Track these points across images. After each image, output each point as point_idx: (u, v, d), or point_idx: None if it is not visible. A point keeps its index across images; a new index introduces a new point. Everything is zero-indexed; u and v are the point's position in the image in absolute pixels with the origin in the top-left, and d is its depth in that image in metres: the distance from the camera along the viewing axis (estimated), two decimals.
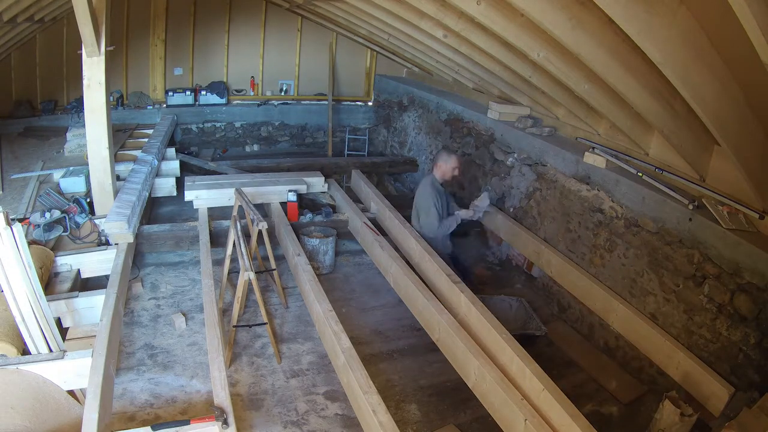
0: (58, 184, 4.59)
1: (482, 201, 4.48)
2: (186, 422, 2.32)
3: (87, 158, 4.12)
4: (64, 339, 2.86)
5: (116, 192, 4.22)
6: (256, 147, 8.07)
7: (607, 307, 3.61)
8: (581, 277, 3.83)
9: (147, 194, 4.71)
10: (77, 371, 2.58)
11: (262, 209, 5.02)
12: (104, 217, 3.90)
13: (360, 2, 4.45)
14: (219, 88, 7.60)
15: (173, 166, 5.68)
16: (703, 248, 3.06)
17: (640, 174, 3.60)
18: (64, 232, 3.88)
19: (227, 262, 4.00)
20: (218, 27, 7.47)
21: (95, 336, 2.77)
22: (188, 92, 7.44)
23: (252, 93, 8.00)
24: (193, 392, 3.15)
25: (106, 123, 3.94)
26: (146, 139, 5.89)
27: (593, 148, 4.02)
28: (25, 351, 2.61)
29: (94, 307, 3.15)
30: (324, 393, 3.26)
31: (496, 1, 2.99)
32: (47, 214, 3.87)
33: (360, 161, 6.92)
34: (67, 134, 5.62)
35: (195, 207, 4.82)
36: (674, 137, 3.10)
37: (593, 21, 2.59)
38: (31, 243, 3.39)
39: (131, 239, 3.88)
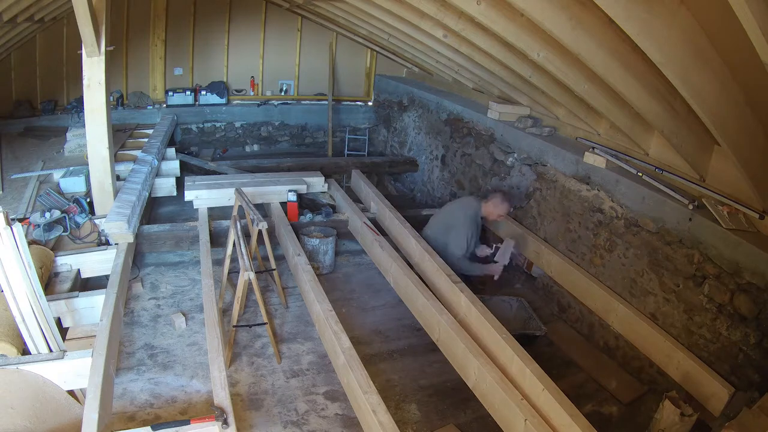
0: (58, 184, 4.59)
1: (503, 255, 4.12)
2: (186, 422, 2.32)
3: (87, 158, 4.12)
4: (64, 339, 2.86)
5: (116, 192, 4.22)
6: (256, 147, 8.07)
7: (607, 307, 3.61)
8: (581, 277, 3.83)
9: (147, 194, 4.71)
10: (77, 371, 2.58)
11: (262, 209, 5.02)
12: (104, 217, 3.90)
13: (360, 2, 4.45)
14: (219, 88, 7.60)
15: (173, 166, 5.68)
16: (703, 248, 3.06)
17: (640, 174, 3.60)
18: (64, 232, 3.88)
19: (227, 262, 4.00)
20: (218, 27, 7.47)
21: (95, 336, 2.77)
22: (188, 92, 7.44)
23: (252, 93, 8.00)
24: (193, 392, 3.15)
25: (106, 123, 3.94)
26: (146, 139, 5.89)
27: (593, 148, 4.02)
28: (25, 351, 2.61)
29: (94, 307, 3.16)
30: (324, 393, 3.26)
31: (496, 1, 2.99)
32: (47, 214, 3.88)
33: (360, 161, 6.92)
34: (67, 134, 5.62)
35: (195, 207, 4.82)
36: (674, 137, 3.10)
37: (593, 21, 2.59)
38: (31, 243, 3.39)
39: (131, 239, 3.88)
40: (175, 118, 7.19)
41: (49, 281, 3.37)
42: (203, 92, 7.54)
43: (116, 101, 6.99)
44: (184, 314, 3.83)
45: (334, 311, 3.25)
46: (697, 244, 3.10)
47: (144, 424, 2.82)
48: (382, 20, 4.72)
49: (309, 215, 4.91)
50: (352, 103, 8.54)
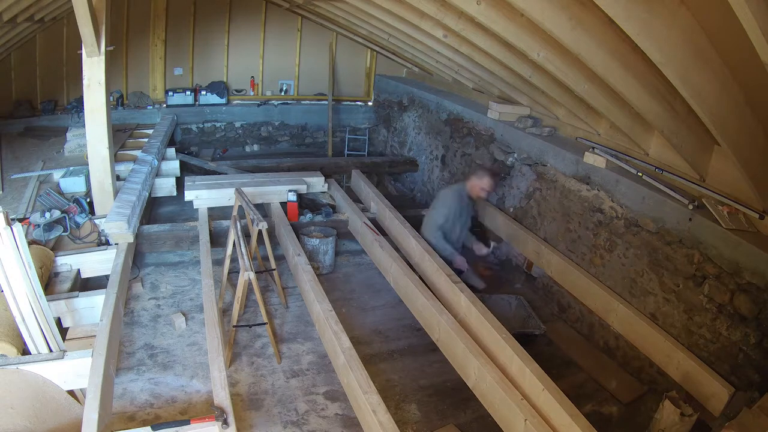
0: (58, 184, 4.59)
1: (480, 250, 4.26)
2: (186, 422, 2.32)
3: (87, 158, 4.12)
4: (64, 339, 2.86)
5: (116, 192, 4.22)
6: (256, 147, 8.07)
7: (607, 307, 3.61)
8: (581, 277, 3.83)
9: (147, 194, 4.72)
10: (77, 371, 2.58)
11: (262, 209, 5.02)
12: (104, 217, 3.90)
13: (360, 2, 4.45)
14: (219, 88, 7.60)
15: (173, 166, 5.68)
16: (703, 248, 3.06)
17: (640, 174, 3.60)
18: (64, 232, 3.88)
19: (227, 262, 4.00)
20: (218, 27, 7.47)
21: (95, 336, 2.77)
22: (188, 92, 7.44)
23: (252, 93, 8.00)
24: (193, 392, 3.15)
25: (106, 123, 3.94)
26: (146, 139, 5.90)
27: (593, 148, 4.02)
28: (25, 351, 2.61)
29: (94, 307, 3.16)
30: (324, 393, 3.26)
31: (496, 1, 2.99)
32: (47, 214, 3.87)
33: (360, 161, 6.92)
34: (67, 134, 5.62)
35: (195, 207, 4.82)
36: (674, 137, 3.10)
37: (593, 21, 2.59)
38: (31, 243, 3.39)
39: (131, 239, 3.88)
40: (175, 118, 7.19)
41: (49, 281, 3.37)
42: (203, 92, 7.54)
43: (116, 101, 6.99)
44: (184, 314, 3.83)
45: (334, 311, 3.25)
46: (697, 244, 3.10)
47: (144, 424, 2.82)
48: (382, 20, 4.72)
49: (309, 215, 4.92)
50: (352, 103, 8.54)
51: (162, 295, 4.17)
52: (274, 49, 7.86)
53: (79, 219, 4.00)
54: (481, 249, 4.27)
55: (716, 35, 2.25)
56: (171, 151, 6.07)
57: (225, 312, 3.90)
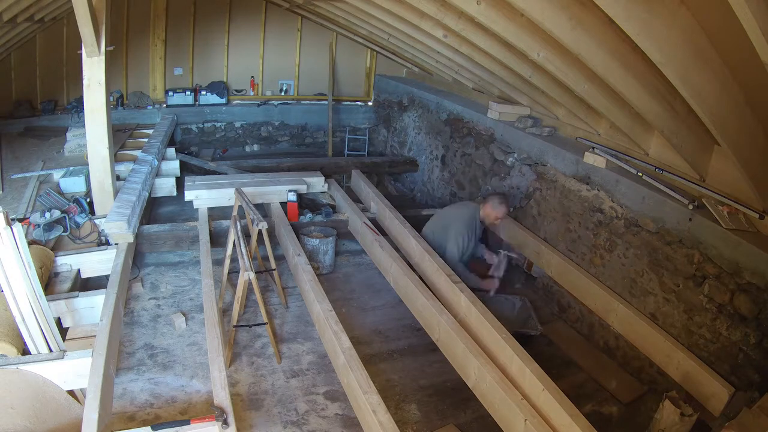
0: (58, 184, 4.59)
1: (499, 265, 4.11)
2: (186, 422, 2.32)
3: (87, 158, 4.12)
4: (64, 339, 2.86)
5: (116, 192, 4.22)
6: (256, 147, 8.07)
7: (607, 307, 3.61)
8: (581, 277, 3.83)
9: (147, 194, 4.72)
10: (77, 371, 2.58)
11: (262, 209, 5.02)
12: (104, 217, 3.90)
13: (360, 2, 4.45)
14: (219, 88, 7.60)
15: (173, 166, 5.68)
16: (703, 248, 3.06)
17: (640, 174, 3.60)
18: (64, 232, 3.88)
19: (227, 262, 4.00)
20: (218, 27, 7.47)
21: (95, 336, 2.77)
22: (188, 92, 7.44)
23: (252, 93, 8.00)
24: (193, 392, 3.15)
25: (106, 123, 3.94)
26: (146, 139, 5.90)
27: (593, 148, 4.02)
28: (25, 351, 2.61)
29: (94, 307, 3.16)
30: (324, 393, 3.26)
31: (496, 1, 2.99)
32: (47, 214, 3.87)
33: (360, 161, 6.92)
34: (67, 134, 5.62)
35: (195, 207, 4.82)
36: (674, 137, 3.10)
37: (593, 21, 2.59)
38: (31, 243, 3.39)
39: (131, 239, 3.88)
40: (175, 118, 7.19)
41: (49, 281, 3.37)
42: (203, 92, 7.54)
43: (116, 101, 6.99)
44: (184, 314, 3.83)
45: (334, 311, 3.25)
46: (697, 244, 3.10)
47: (144, 424, 2.82)
48: (382, 20, 4.72)
49: (309, 215, 4.92)
50: (352, 103, 8.54)
51: (162, 295, 4.17)
52: (274, 49, 7.86)
53: (79, 219, 4.00)
54: (492, 258, 4.23)
55: (716, 35, 2.25)
56: (171, 151, 6.07)
57: (225, 312, 3.90)
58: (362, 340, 3.78)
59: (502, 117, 5.14)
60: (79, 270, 3.62)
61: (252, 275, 3.19)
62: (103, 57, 3.75)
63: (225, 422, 2.33)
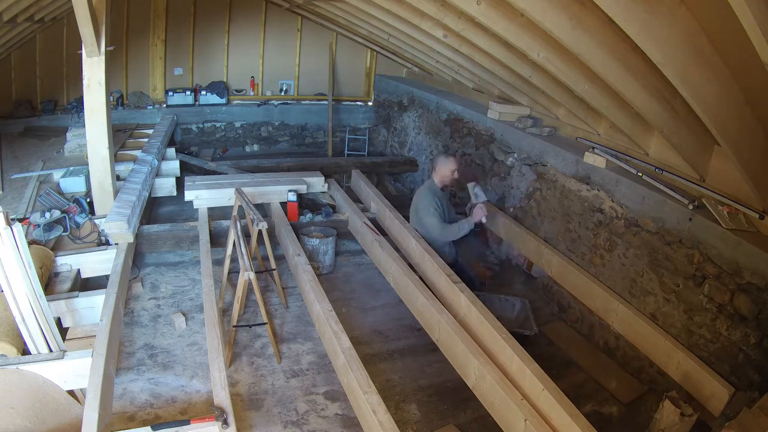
0: (58, 184, 4.59)
1: (477, 197, 4.14)
2: (186, 422, 2.32)
3: (87, 158, 4.12)
4: (64, 339, 2.86)
5: (116, 192, 4.22)
6: (256, 147, 8.08)
7: (607, 307, 3.61)
8: (581, 277, 3.83)
9: (147, 194, 4.72)
10: (77, 371, 2.58)
11: (262, 209, 5.02)
12: (104, 217, 3.90)
13: (360, 2, 4.45)
14: (219, 88, 7.60)
15: (173, 166, 5.68)
16: (703, 248, 3.06)
17: (640, 174, 3.60)
18: (64, 232, 3.88)
19: (227, 262, 4.00)
20: (218, 27, 7.47)
21: (95, 336, 2.77)
22: (188, 92, 7.45)
23: (252, 93, 8.00)
24: (193, 392, 3.15)
25: (106, 123, 3.94)
26: (146, 139, 5.90)
27: (593, 148, 4.02)
28: (25, 351, 2.61)
29: (94, 307, 3.15)
30: (324, 393, 3.26)
31: (496, 1, 2.99)
32: (47, 214, 3.88)
33: (360, 161, 6.92)
34: (67, 134, 5.62)
35: (195, 207, 4.81)
36: (674, 137, 3.10)
37: (593, 21, 2.59)
38: (31, 243, 3.39)
39: (131, 239, 3.88)
40: (175, 118, 7.19)
41: (49, 281, 3.37)
42: (203, 92, 7.54)
43: (116, 101, 7.00)
44: (184, 314, 3.83)
45: (334, 311, 3.25)
46: (697, 244, 3.10)
47: (144, 424, 2.82)
48: (382, 20, 4.72)
49: (309, 215, 4.92)
50: (352, 103, 8.54)
51: (162, 295, 4.17)
52: (274, 49, 7.87)
53: (79, 219, 4.00)
54: (477, 213, 4.06)
55: (716, 35, 2.25)
56: (171, 151, 6.07)
57: (225, 312, 3.90)
58: (362, 340, 3.78)
59: (502, 117, 5.14)
60: (79, 270, 3.62)
61: (252, 275, 3.19)
62: (103, 57, 3.75)
63: (225, 422, 2.33)
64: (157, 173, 5.32)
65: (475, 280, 4.25)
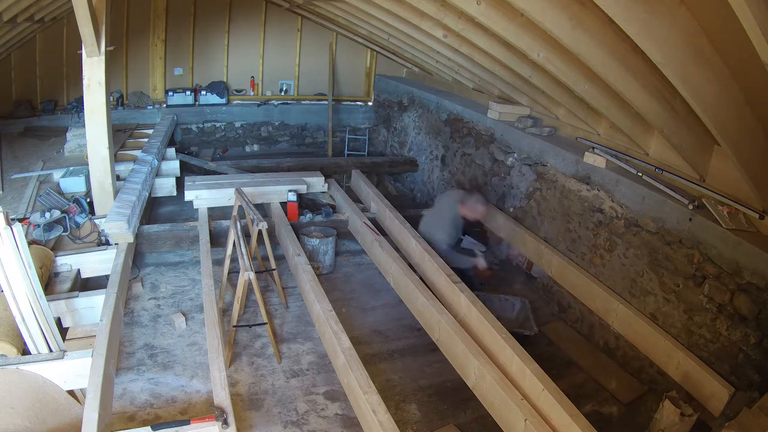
0: (58, 184, 4.59)
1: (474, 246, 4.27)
2: (186, 422, 2.32)
3: (87, 158, 4.12)
4: (64, 339, 2.86)
5: (116, 192, 4.22)
6: (256, 147, 8.08)
7: (607, 307, 3.61)
8: (581, 277, 3.83)
9: (147, 194, 4.72)
10: (77, 371, 2.58)
11: (262, 209, 5.02)
12: (104, 217, 3.90)
13: (360, 2, 4.45)
14: (219, 88, 7.60)
15: (173, 166, 5.68)
16: (703, 248, 3.06)
17: (640, 174, 3.60)
18: (64, 232, 3.88)
19: (227, 262, 4.00)
20: (218, 27, 7.47)
21: (95, 336, 2.77)
22: (188, 92, 7.44)
23: (252, 93, 8.00)
24: (193, 392, 3.15)
25: (106, 123, 3.94)
26: (146, 139, 5.90)
27: (593, 148, 4.02)
28: (25, 351, 2.61)
29: (94, 307, 3.16)
30: (324, 393, 3.26)
31: (496, 1, 2.99)
32: (47, 214, 3.88)
33: (360, 161, 6.92)
34: (67, 134, 5.62)
35: (195, 207, 4.82)
36: (674, 137, 3.10)
37: (593, 21, 2.59)
38: (31, 243, 3.39)
39: (131, 239, 3.88)
40: (175, 118, 7.19)
41: (49, 281, 3.37)
42: (203, 92, 7.54)
43: (116, 101, 6.99)
44: (184, 314, 3.83)
45: (334, 311, 3.25)
46: (697, 244, 3.10)
47: (144, 424, 2.82)
48: (382, 20, 4.72)
49: (309, 215, 4.92)
50: (352, 103, 8.54)
51: (162, 295, 4.17)
52: (274, 49, 7.86)
53: (79, 219, 4.00)
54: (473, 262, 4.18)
55: (716, 35, 2.25)
56: (171, 151, 6.07)
57: (225, 312, 3.90)
58: (362, 340, 3.78)
59: (502, 117, 5.14)
60: (79, 270, 3.62)
61: (252, 275, 3.19)
62: (103, 57, 3.75)
63: (225, 422, 2.33)
64: (157, 173, 5.32)
65: (475, 280, 4.25)
